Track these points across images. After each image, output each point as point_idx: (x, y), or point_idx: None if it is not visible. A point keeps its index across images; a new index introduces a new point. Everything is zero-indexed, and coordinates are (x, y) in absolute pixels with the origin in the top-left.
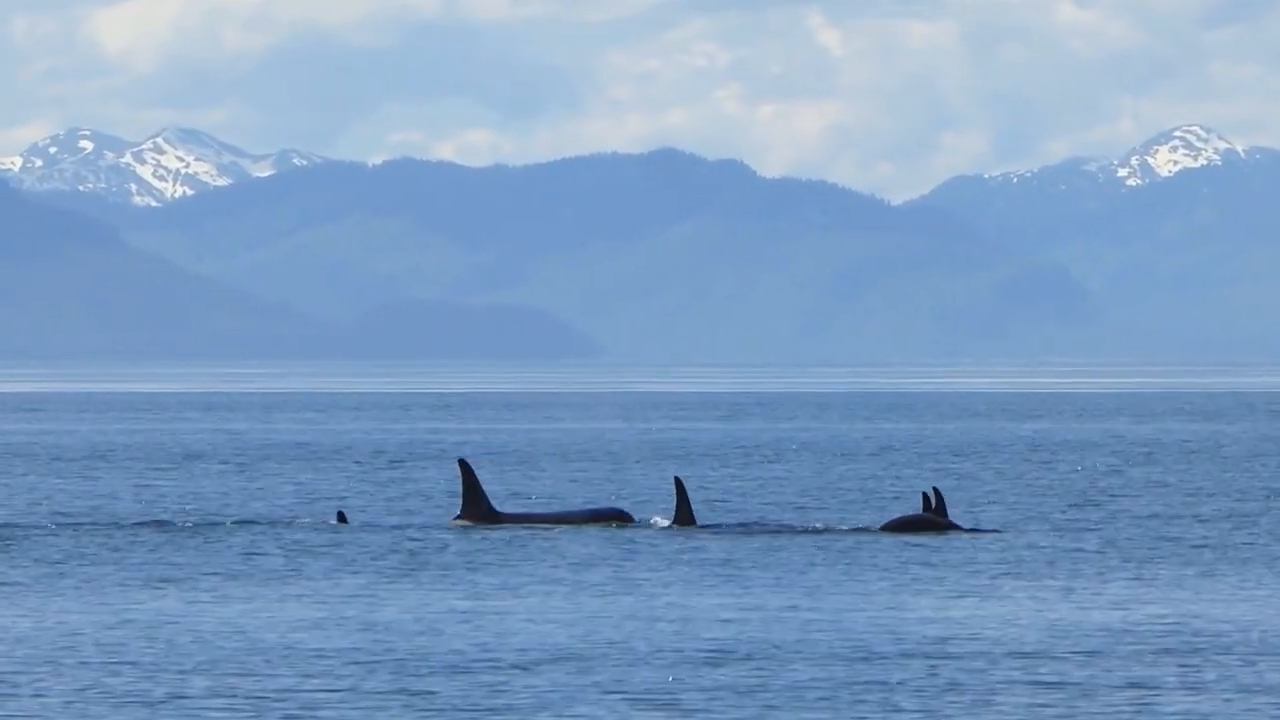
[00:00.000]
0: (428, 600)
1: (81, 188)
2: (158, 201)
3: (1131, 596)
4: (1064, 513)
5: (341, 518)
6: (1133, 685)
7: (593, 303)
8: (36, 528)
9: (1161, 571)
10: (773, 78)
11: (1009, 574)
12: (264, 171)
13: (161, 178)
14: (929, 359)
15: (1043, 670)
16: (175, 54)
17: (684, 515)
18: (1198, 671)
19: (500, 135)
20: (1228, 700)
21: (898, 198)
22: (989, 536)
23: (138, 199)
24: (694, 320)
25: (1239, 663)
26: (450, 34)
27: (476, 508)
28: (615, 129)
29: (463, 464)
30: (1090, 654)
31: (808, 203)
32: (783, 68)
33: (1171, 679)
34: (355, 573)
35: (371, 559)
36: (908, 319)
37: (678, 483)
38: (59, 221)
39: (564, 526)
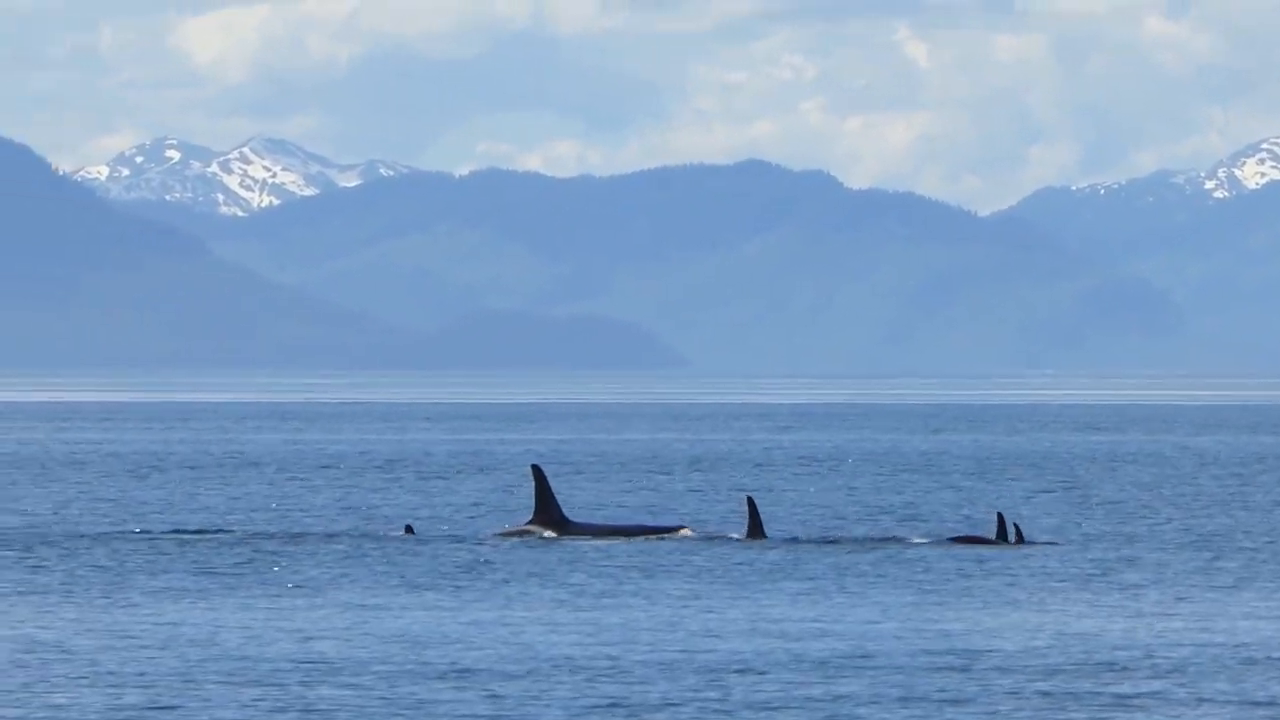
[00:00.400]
0: (515, 609)
1: (168, 197)
2: (244, 211)
3: (1204, 609)
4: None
5: (409, 530)
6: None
7: (675, 313)
8: (118, 535)
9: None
10: (859, 89)
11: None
12: (350, 181)
13: (248, 187)
14: (1012, 370)
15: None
16: (263, 63)
17: (755, 529)
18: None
19: (587, 146)
20: None
21: (984, 209)
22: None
23: (224, 208)
24: (777, 331)
25: None
26: (538, 45)
27: (547, 514)
28: (702, 140)
29: (536, 469)
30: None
31: (892, 214)
32: (869, 79)
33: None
34: (425, 585)
35: (440, 570)
36: (991, 330)
37: (750, 502)
38: (145, 231)
39: (634, 539)
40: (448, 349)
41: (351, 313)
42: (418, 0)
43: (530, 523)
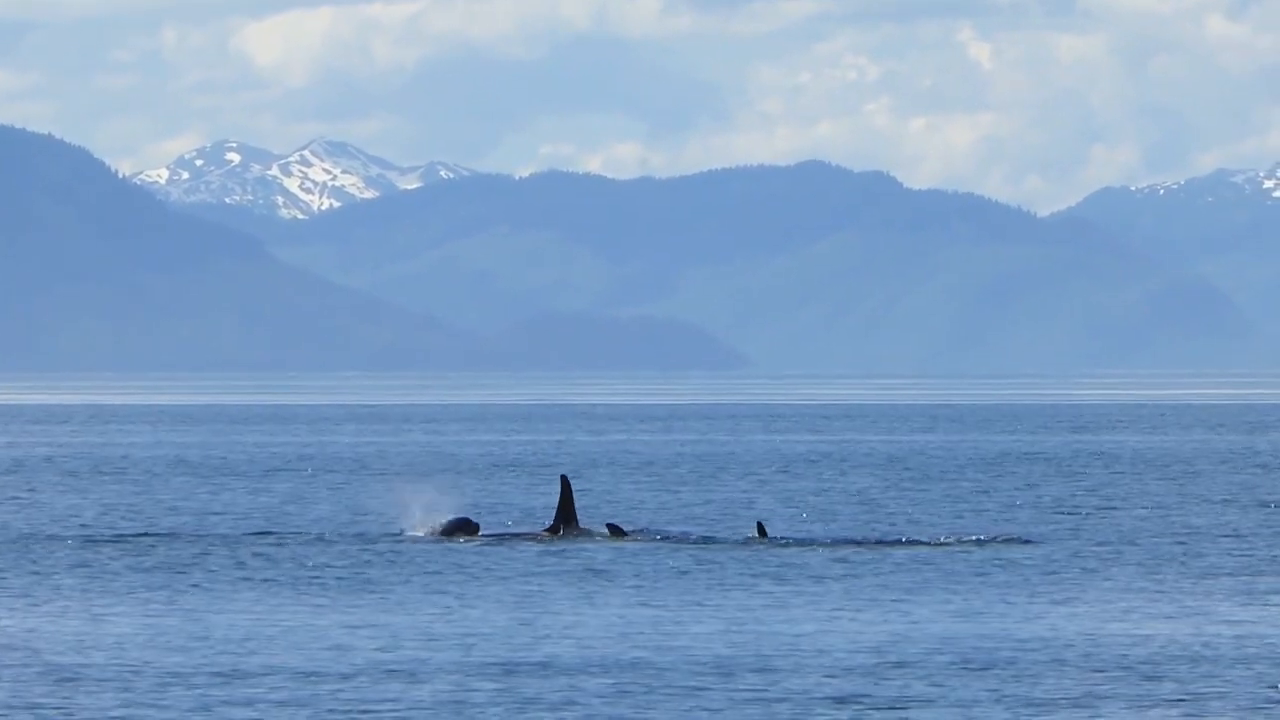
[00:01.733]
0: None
1: (228, 200)
2: (304, 214)
3: (1197, 608)
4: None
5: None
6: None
7: (739, 314)
8: (205, 536)
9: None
10: (923, 90)
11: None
12: (411, 184)
13: (308, 190)
14: (1076, 371)
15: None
16: (325, 67)
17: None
18: None
19: (649, 148)
20: None
21: (1045, 210)
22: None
23: (284, 211)
24: (840, 332)
25: None
26: (601, 47)
27: (568, 523)
28: (764, 142)
29: (564, 480)
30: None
31: (954, 215)
32: (933, 80)
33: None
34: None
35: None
36: (1054, 331)
37: (759, 528)
38: (205, 234)
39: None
40: (511, 351)
41: (415, 315)
42: (481, 2)
43: (547, 529)
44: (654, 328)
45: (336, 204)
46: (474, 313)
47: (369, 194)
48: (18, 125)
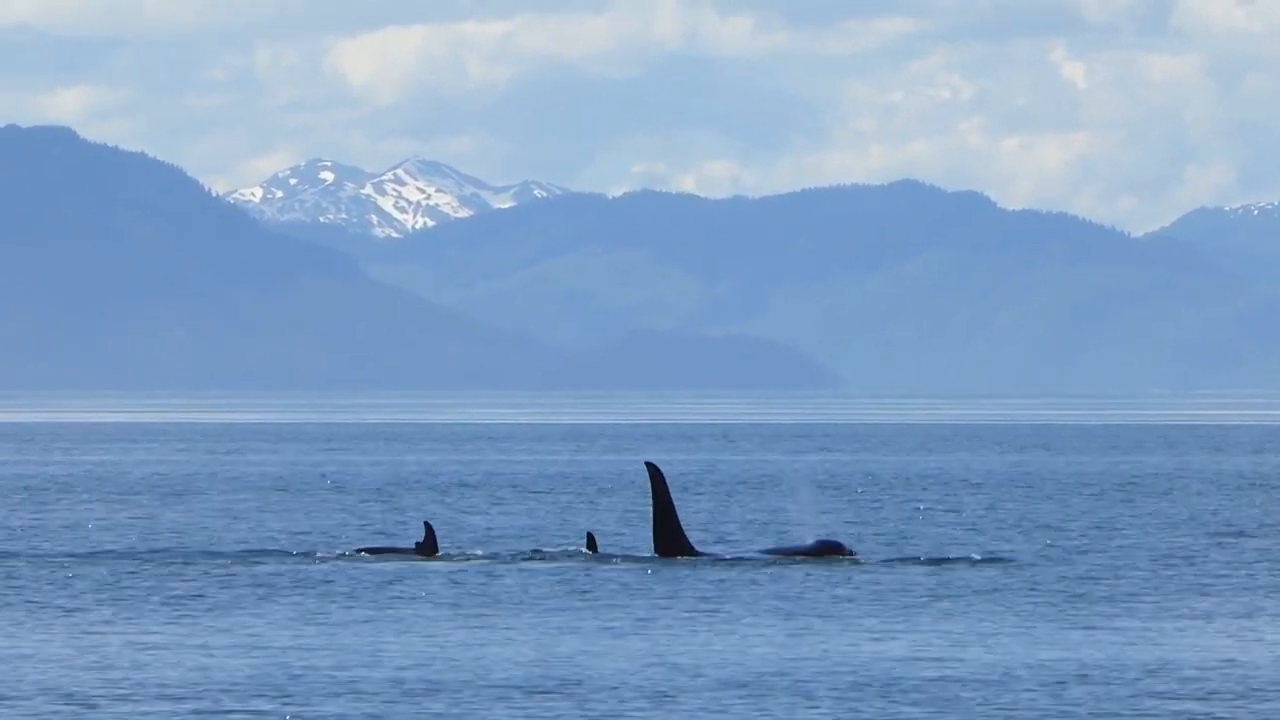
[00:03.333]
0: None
1: (321, 219)
2: (398, 233)
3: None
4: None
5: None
6: None
7: (831, 333)
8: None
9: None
10: (1016, 110)
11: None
12: (505, 203)
13: (402, 209)
14: (1169, 390)
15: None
16: (419, 85)
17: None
18: None
19: (742, 166)
20: None
21: (1139, 230)
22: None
23: (377, 230)
24: (932, 351)
25: None
26: (694, 65)
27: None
28: (857, 160)
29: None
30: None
31: (1047, 235)
32: (1026, 100)
33: None
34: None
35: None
36: (1146, 351)
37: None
38: (298, 252)
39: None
40: (604, 370)
41: (508, 334)
42: (574, 21)
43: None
44: (745, 347)
45: (431, 223)
46: (566, 331)
47: (463, 213)
48: (109, 143)
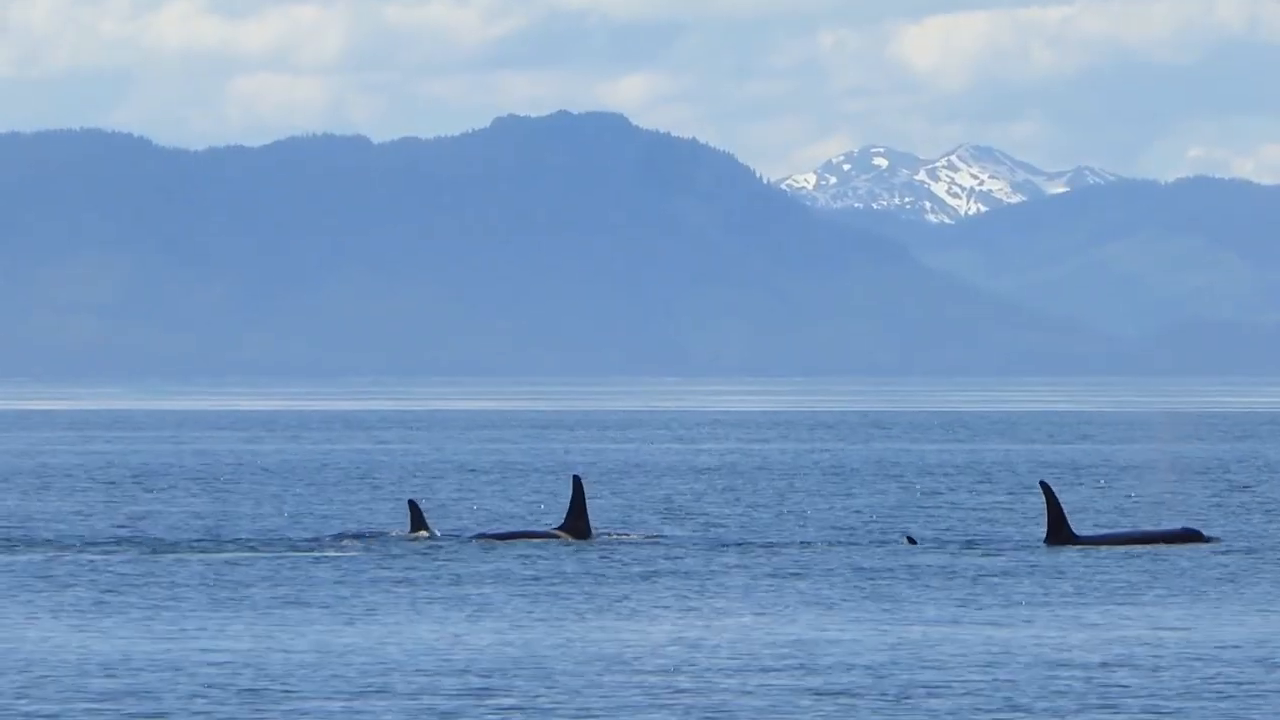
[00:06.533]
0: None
1: (875, 205)
2: (950, 219)
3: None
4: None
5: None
6: None
7: None
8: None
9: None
10: None
11: None
12: (1057, 189)
13: (955, 195)
14: None
15: None
16: (982, 70)
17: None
18: None
19: None
20: None
21: None
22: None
23: (930, 216)
24: None
25: None
26: (1255, 50)
27: (1058, 532)
28: None
29: (1044, 486)
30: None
31: None
32: None
33: None
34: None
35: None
36: None
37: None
38: (850, 239)
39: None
40: (1157, 357)
41: (1062, 320)
42: (1135, 5)
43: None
44: None
45: (983, 208)
46: (1118, 318)
47: (1015, 199)
48: (661, 130)
